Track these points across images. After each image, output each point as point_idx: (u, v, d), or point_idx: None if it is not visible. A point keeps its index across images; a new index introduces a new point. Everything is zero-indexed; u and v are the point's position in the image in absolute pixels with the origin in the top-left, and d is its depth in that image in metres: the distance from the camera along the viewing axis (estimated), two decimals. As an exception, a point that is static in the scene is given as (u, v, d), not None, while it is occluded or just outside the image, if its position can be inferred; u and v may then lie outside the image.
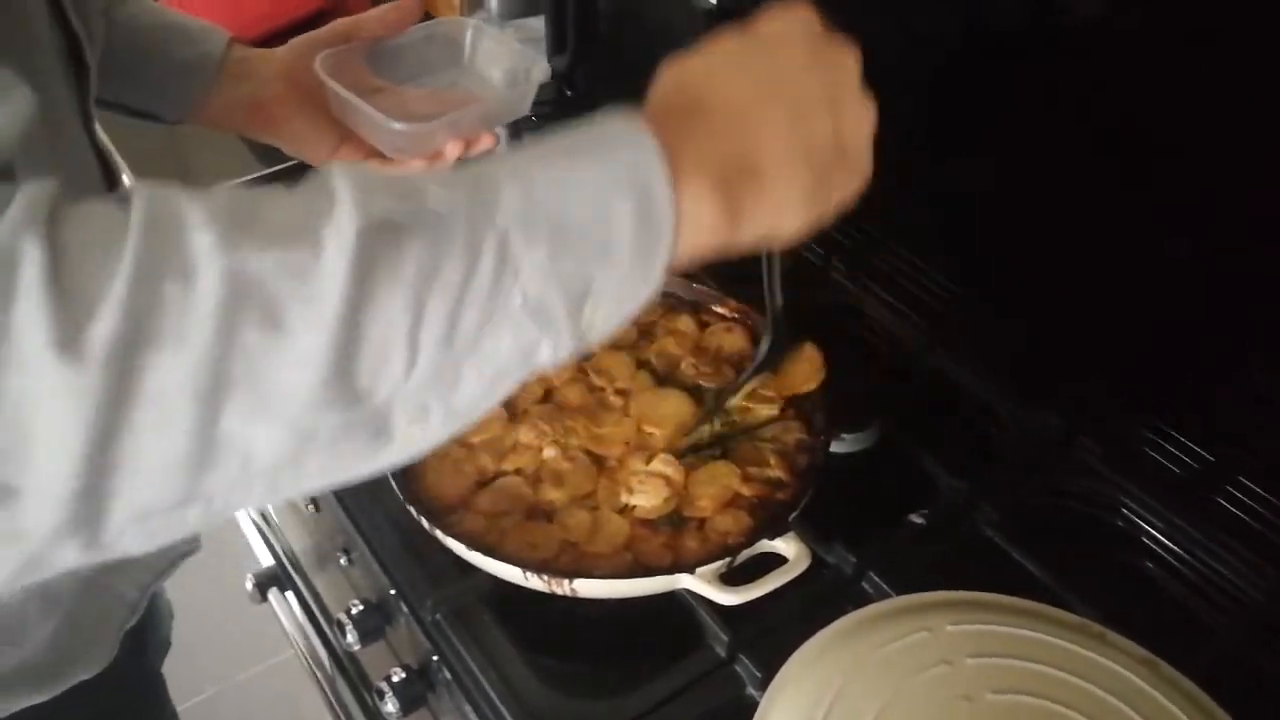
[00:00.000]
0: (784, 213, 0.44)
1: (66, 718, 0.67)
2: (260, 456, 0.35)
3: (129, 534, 0.35)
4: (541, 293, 0.37)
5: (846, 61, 0.47)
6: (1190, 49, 0.74)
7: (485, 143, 0.74)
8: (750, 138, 0.43)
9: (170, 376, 0.33)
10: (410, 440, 0.38)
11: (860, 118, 0.47)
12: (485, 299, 0.37)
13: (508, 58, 0.78)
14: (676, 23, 1.20)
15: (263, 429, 0.35)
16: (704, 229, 0.41)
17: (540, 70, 0.75)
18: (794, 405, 0.78)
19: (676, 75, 0.45)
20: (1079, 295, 0.88)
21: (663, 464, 0.71)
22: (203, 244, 0.34)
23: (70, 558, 0.35)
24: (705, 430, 0.75)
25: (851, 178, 0.48)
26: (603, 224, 0.38)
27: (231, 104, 0.73)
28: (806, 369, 0.77)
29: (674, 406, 0.76)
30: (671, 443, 0.74)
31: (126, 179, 0.65)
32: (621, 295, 0.40)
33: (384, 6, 0.75)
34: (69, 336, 0.32)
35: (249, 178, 1.09)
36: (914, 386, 0.87)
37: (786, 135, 0.43)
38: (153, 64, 0.70)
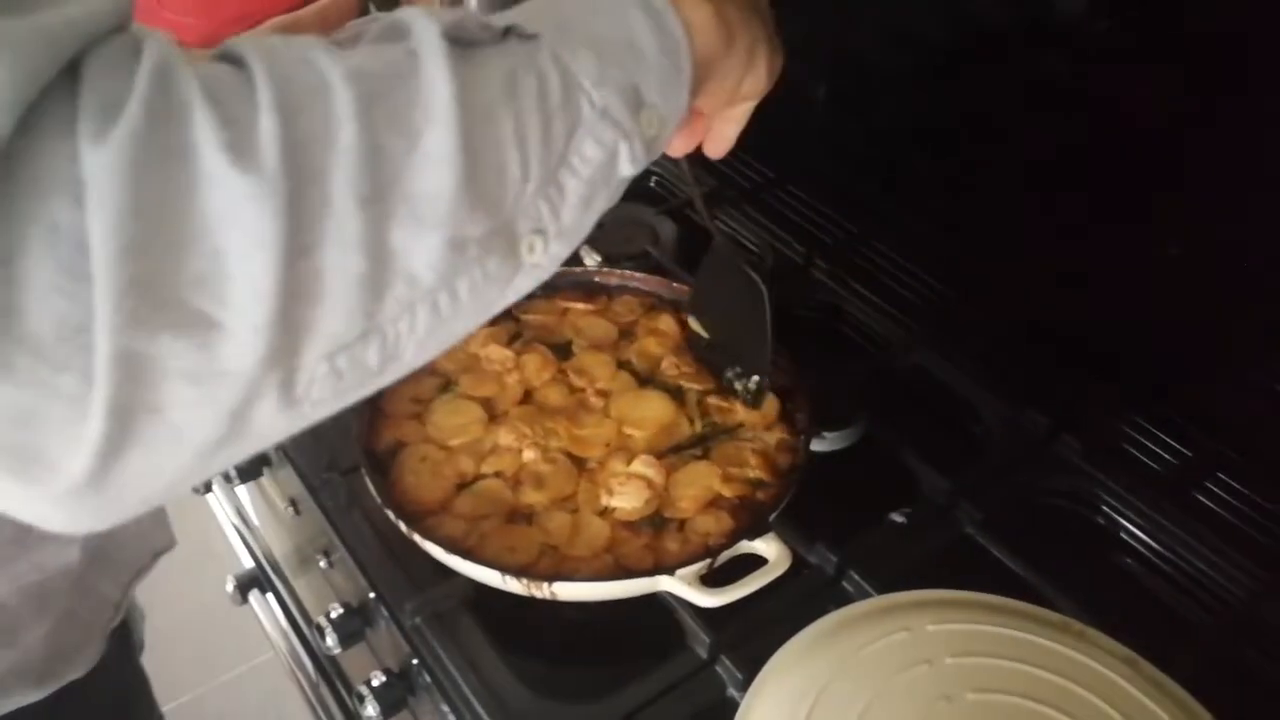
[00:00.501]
0: (756, 33, 0.52)
1: (59, 716, 0.67)
2: (422, 275, 0.37)
3: (319, 379, 0.36)
4: (605, 98, 0.42)
5: None
6: (1177, 48, 0.74)
7: None
8: None
9: (335, 177, 0.34)
10: (531, 263, 0.42)
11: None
12: (562, 106, 0.41)
13: None
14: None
15: (421, 241, 0.37)
16: (706, 34, 0.48)
17: None
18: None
19: None
20: (1062, 293, 0.88)
21: (643, 465, 0.71)
22: (318, 55, 0.36)
23: (269, 411, 0.36)
24: (685, 433, 0.75)
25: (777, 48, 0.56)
26: (627, 34, 0.44)
27: None
28: (766, 414, 0.77)
29: (655, 408, 0.76)
30: (652, 444, 0.73)
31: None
32: (666, 98, 0.45)
33: (323, 2, 0.75)
34: (240, 140, 0.33)
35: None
36: (896, 384, 0.87)
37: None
38: None
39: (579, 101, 0.42)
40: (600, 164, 0.43)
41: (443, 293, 0.39)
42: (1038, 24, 0.84)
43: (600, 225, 1.06)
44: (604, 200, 0.44)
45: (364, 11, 0.78)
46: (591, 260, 0.94)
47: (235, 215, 0.33)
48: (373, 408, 0.75)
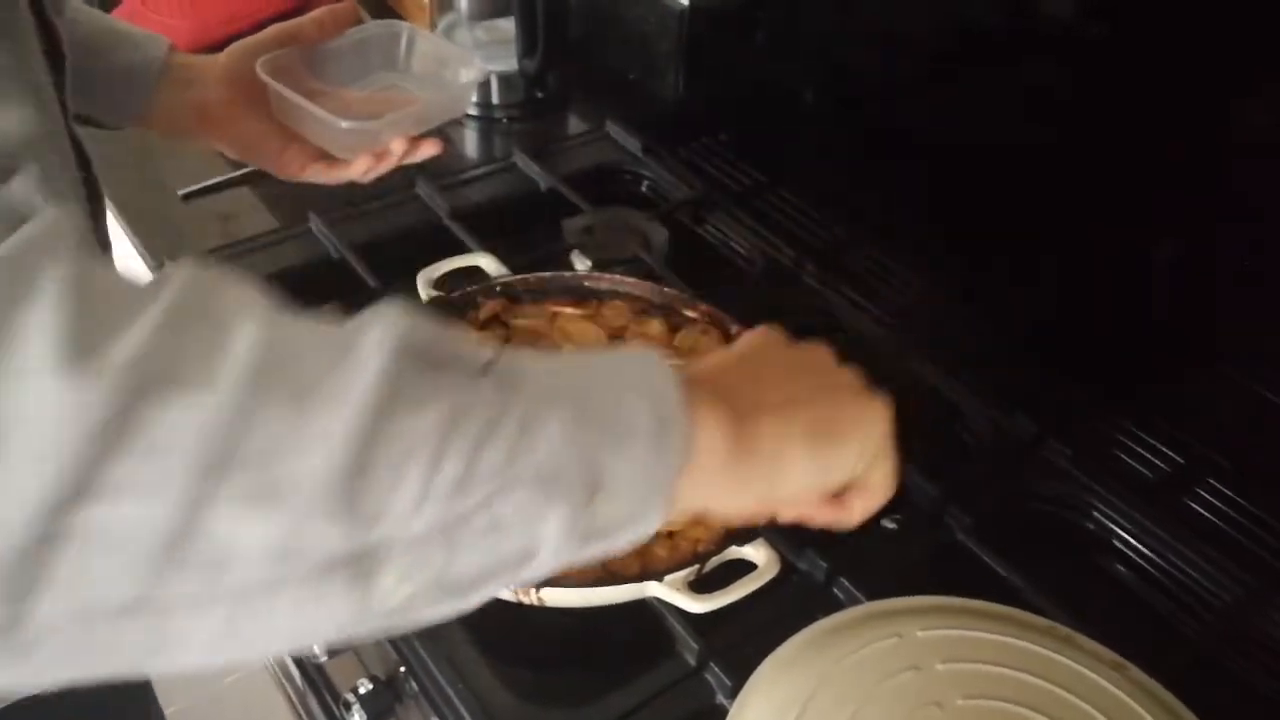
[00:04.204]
0: (785, 447, 0.45)
1: (56, 708, 0.67)
2: (236, 568, 0.32)
3: (52, 633, 0.30)
4: (558, 458, 0.37)
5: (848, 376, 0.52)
6: (1169, 52, 0.75)
7: (430, 147, 0.75)
8: (755, 386, 0.46)
9: (182, 429, 0.30)
10: (387, 601, 0.35)
11: (866, 410, 0.51)
12: (506, 450, 0.35)
13: (444, 59, 0.79)
14: (649, 24, 1.20)
15: (254, 527, 0.31)
16: (714, 446, 0.42)
17: (476, 70, 0.77)
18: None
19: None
20: (1052, 298, 0.88)
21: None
22: (243, 307, 0.33)
23: None
24: None
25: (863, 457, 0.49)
26: (621, 411, 0.39)
27: (175, 109, 0.73)
28: None
29: None
30: None
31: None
32: (634, 495, 0.39)
33: (320, 10, 0.75)
34: (85, 347, 0.29)
35: (223, 177, 1.08)
36: (885, 389, 0.87)
37: (787, 384, 0.47)
38: (94, 70, 0.70)
39: (528, 453, 0.36)
40: (515, 530, 0.36)
41: (255, 599, 0.32)
42: (1029, 27, 0.84)
43: (590, 230, 1.06)
44: (507, 578, 0.37)
45: (358, 20, 0.78)
46: (582, 265, 0.94)
47: (34, 418, 0.28)
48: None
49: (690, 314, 0.85)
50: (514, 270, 0.89)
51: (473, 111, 1.19)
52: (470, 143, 1.19)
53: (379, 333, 0.35)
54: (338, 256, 0.96)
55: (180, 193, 1.07)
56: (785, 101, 1.11)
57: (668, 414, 0.40)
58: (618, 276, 0.88)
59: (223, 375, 0.31)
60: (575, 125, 1.21)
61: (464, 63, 0.79)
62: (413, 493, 0.34)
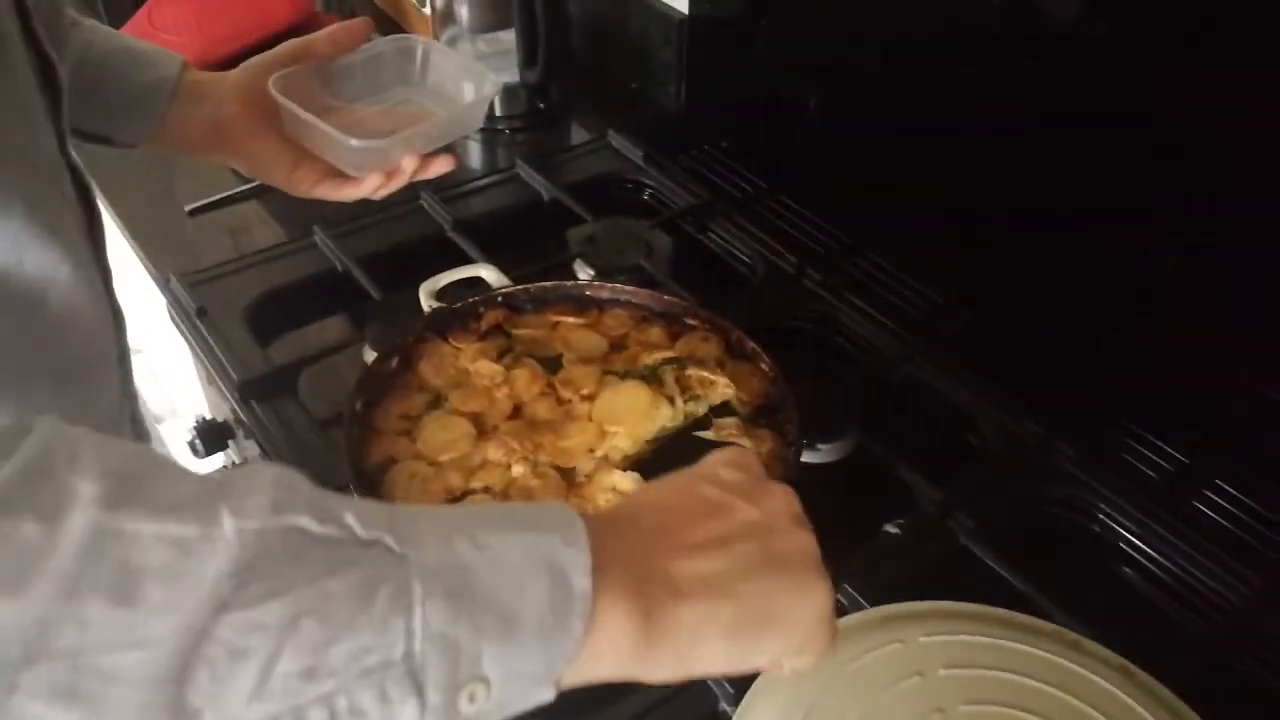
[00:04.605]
0: (703, 636, 0.42)
1: None
2: None
3: None
4: (428, 649, 0.35)
5: (785, 504, 0.48)
6: (1173, 53, 0.74)
7: (442, 164, 0.75)
8: (675, 556, 0.43)
9: None
10: None
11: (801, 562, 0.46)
12: (366, 641, 0.34)
13: (458, 73, 0.79)
14: (649, 34, 1.21)
15: (61, 716, 0.31)
16: (616, 638, 0.40)
17: (490, 85, 0.76)
18: (765, 415, 0.77)
19: (621, 502, 0.48)
20: (1055, 300, 0.88)
21: (630, 481, 0.71)
22: (83, 493, 0.31)
23: None
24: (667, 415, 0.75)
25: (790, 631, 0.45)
26: (515, 595, 0.37)
27: (188, 127, 0.74)
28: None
29: (628, 398, 0.76)
30: (636, 436, 0.73)
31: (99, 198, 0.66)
32: (513, 687, 0.37)
33: (334, 26, 0.76)
34: None
35: (229, 192, 1.09)
36: (889, 394, 0.87)
37: (725, 551, 0.44)
38: (108, 89, 0.71)
39: (393, 643, 0.34)
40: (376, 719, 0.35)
41: None
42: (1030, 31, 0.84)
43: (593, 240, 1.06)
44: None
45: (371, 36, 0.79)
46: (585, 274, 0.95)
47: None
48: (363, 425, 0.75)
49: (690, 321, 0.85)
50: (517, 281, 0.89)
51: (476, 123, 1.20)
52: (473, 154, 1.20)
53: (236, 521, 0.33)
54: (342, 269, 0.97)
55: (187, 208, 1.08)
56: (785, 108, 1.11)
57: (567, 603, 0.38)
58: (618, 285, 0.88)
59: (41, 575, 0.30)
60: (577, 135, 1.22)
61: (479, 77, 0.78)
62: (244, 689, 0.32)
